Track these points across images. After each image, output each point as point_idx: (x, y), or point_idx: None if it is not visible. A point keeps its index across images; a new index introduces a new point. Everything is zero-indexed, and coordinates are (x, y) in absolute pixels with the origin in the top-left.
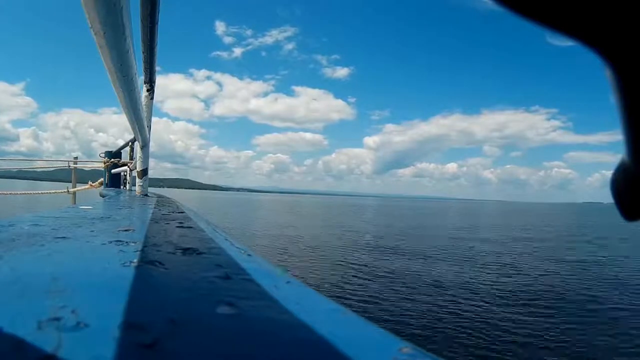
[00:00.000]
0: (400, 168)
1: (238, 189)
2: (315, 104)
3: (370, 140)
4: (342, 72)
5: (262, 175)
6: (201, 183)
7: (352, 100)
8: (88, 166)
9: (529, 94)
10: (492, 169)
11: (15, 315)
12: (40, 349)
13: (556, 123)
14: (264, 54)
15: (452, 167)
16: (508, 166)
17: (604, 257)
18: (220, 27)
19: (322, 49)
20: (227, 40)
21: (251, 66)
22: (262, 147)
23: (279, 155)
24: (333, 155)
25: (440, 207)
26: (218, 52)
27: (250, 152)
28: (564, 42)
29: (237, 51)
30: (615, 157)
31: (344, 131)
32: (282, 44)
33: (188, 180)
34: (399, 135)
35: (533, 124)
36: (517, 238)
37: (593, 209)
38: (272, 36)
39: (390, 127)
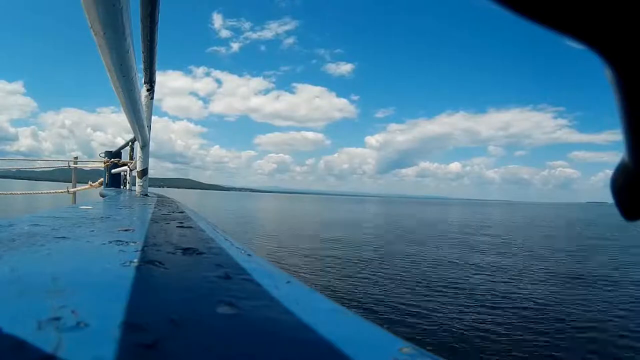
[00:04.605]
0: (403, 168)
1: (240, 189)
2: (318, 101)
3: (373, 140)
4: (345, 67)
5: (264, 175)
6: (202, 183)
7: (355, 98)
8: (88, 166)
9: (537, 92)
10: (495, 169)
11: (15, 315)
12: (40, 349)
13: (562, 122)
14: (263, 48)
15: (455, 166)
16: (511, 166)
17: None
18: (217, 20)
19: (325, 42)
20: (225, 34)
21: (250, 62)
22: (264, 147)
23: (280, 155)
24: (335, 155)
25: (446, 211)
26: (215, 48)
27: (251, 152)
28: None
29: (235, 46)
30: (620, 156)
31: (346, 130)
32: (282, 38)
33: (189, 180)
34: (402, 134)
35: (539, 123)
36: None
37: (600, 209)
38: (271, 29)
39: (393, 126)
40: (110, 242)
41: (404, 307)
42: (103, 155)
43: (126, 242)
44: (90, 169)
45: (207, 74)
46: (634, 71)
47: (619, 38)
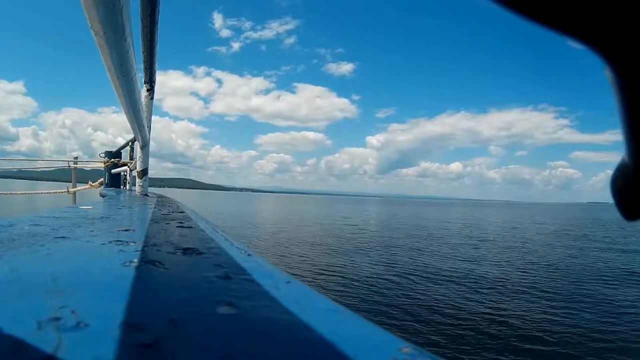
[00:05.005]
0: (404, 168)
1: (240, 189)
2: (319, 101)
3: (374, 140)
4: (346, 67)
5: (265, 175)
6: (203, 183)
7: (357, 98)
8: (89, 166)
9: (538, 92)
10: (496, 169)
11: (15, 315)
12: (40, 349)
13: (564, 122)
14: (263, 48)
15: (456, 166)
16: (512, 166)
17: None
18: (217, 19)
19: (326, 42)
20: (225, 33)
21: (251, 61)
22: (265, 147)
23: (281, 155)
24: (336, 155)
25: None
26: (216, 47)
27: (252, 152)
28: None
29: (236, 45)
30: (621, 156)
31: (347, 130)
32: (282, 38)
33: (190, 180)
34: (403, 134)
35: (540, 123)
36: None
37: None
38: (272, 29)
39: (394, 126)
40: (110, 242)
41: (408, 308)
42: (103, 155)
43: (126, 242)
44: (91, 169)
45: (208, 74)
46: (634, 71)
47: (619, 38)
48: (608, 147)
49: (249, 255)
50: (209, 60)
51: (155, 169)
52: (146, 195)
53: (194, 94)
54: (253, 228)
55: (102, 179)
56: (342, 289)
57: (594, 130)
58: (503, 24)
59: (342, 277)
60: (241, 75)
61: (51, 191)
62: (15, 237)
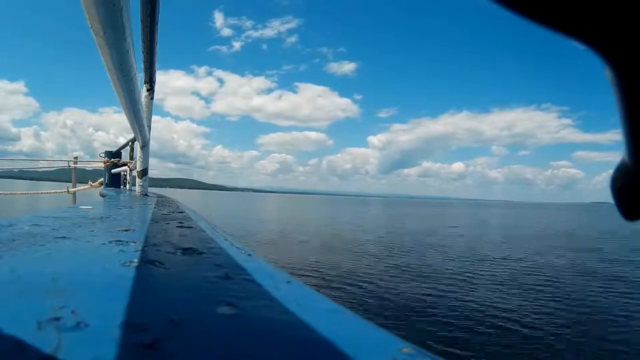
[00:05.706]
0: (406, 168)
1: (242, 189)
2: (320, 101)
3: (376, 140)
4: (348, 67)
5: (267, 175)
6: (205, 183)
7: (358, 97)
8: (90, 166)
9: (541, 91)
10: (499, 169)
11: (15, 315)
12: (40, 349)
13: (566, 121)
14: (265, 47)
15: (458, 166)
16: (515, 166)
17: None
18: (218, 18)
19: (327, 41)
20: (226, 32)
21: (252, 61)
22: (266, 147)
23: (283, 155)
24: (338, 155)
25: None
26: (217, 47)
27: (254, 152)
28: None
29: (237, 45)
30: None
31: (349, 130)
32: (284, 37)
33: (192, 180)
34: (405, 134)
35: (543, 122)
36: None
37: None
38: (273, 28)
39: (396, 125)
40: (110, 242)
41: (411, 308)
42: (103, 155)
43: (126, 242)
44: (92, 169)
45: (209, 74)
46: (634, 71)
47: (619, 38)
48: (611, 146)
49: (249, 255)
50: (210, 59)
51: (157, 169)
52: (146, 195)
53: (196, 93)
54: (256, 228)
55: (102, 179)
56: (344, 288)
57: (596, 130)
58: (504, 24)
59: (343, 276)
60: (242, 74)
61: (51, 191)
62: (15, 237)
